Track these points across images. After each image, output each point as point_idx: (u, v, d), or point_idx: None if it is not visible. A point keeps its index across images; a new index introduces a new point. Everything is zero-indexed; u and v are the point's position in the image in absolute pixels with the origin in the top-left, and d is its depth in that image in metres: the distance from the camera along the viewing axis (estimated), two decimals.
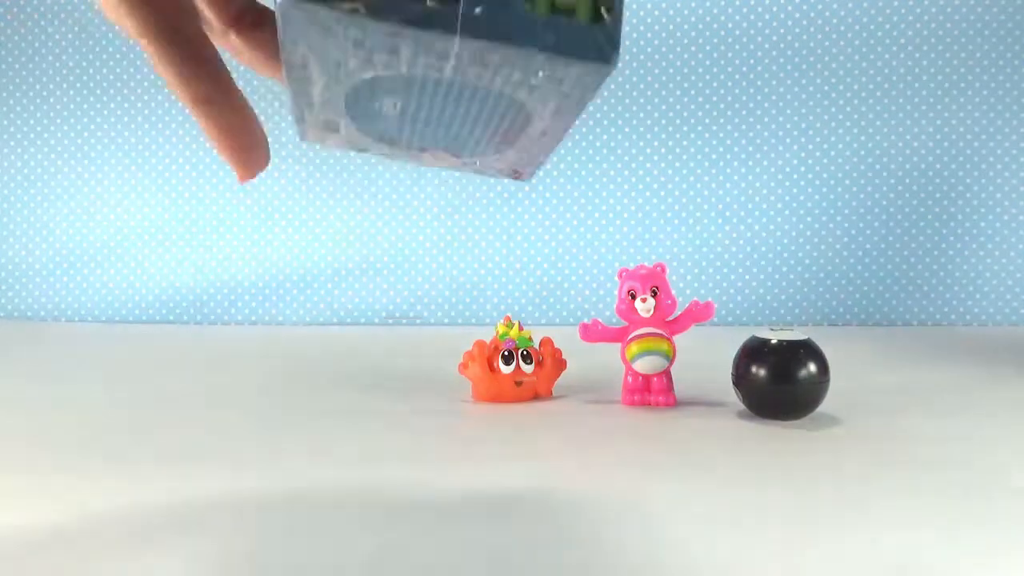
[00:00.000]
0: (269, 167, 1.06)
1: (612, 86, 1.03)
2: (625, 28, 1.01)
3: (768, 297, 1.03)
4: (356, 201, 1.06)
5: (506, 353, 0.57)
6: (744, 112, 1.03)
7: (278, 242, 1.06)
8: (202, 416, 0.55)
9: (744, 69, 1.02)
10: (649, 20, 1.03)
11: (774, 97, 1.03)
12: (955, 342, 0.87)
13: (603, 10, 0.20)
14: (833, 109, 1.02)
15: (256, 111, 0.29)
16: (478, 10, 0.20)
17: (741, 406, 0.54)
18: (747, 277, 1.03)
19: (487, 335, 0.58)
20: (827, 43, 1.01)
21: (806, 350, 0.51)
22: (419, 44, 0.21)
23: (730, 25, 1.02)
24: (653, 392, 0.57)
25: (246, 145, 0.29)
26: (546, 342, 0.59)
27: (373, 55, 0.22)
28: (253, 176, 0.30)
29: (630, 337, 0.56)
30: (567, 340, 0.60)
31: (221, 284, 1.06)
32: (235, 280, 1.06)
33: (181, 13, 0.26)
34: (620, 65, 1.01)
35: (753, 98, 1.03)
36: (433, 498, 0.39)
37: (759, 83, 1.03)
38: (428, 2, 0.20)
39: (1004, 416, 0.54)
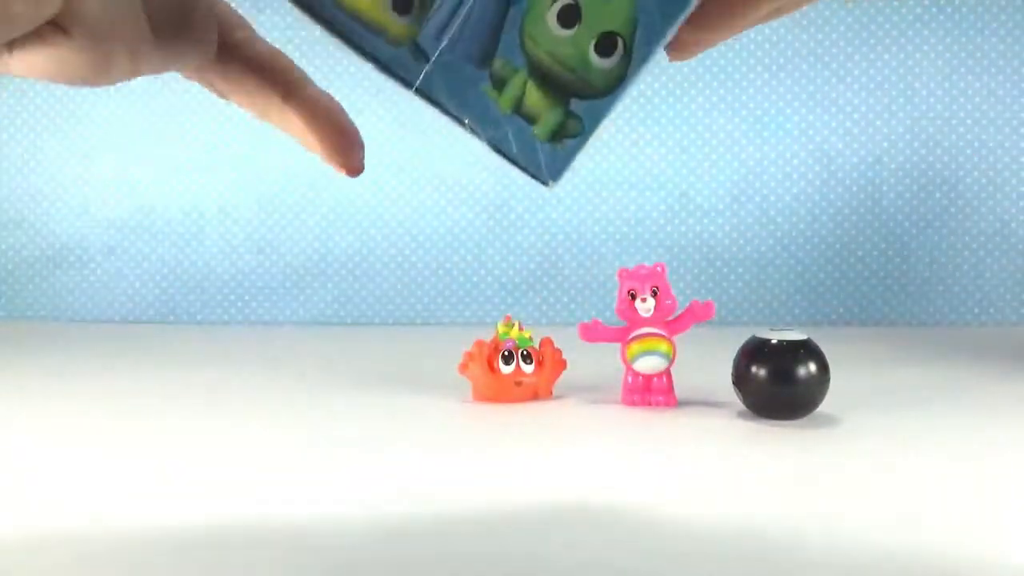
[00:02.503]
0: (269, 166, 1.06)
1: None
2: None
3: (768, 297, 1.03)
4: (356, 200, 1.06)
5: (506, 353, 0.57)
6: (744, 112, 1.03)
7: (277, 241, 1.06)
8: (200, 417, 0.55)
9: (743, 67, 1.03)
10: None
11: (774, 97, 1.03)
12: (955, 342, 0.87)
13: (562, 138, 0.19)
14: (833, 109, 1.02)
15: None
16: (428, 68, 0.19)
17: (741, 406, 0.54)
18: (747, 277, 1.03)
19: (487, 335, 0.58)
20: (834, 35, 1.01)
21: (806, 350, 0.51)
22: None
23: None
24: (653, 392, 0.57)
25: (347, 127, 0.25)
26: (546, 342, 0.59)
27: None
28: (361, 164, 0.25)
29: (630, 337, 0.56)
30: (567, 340, 0.60)
31: (221, 284, 1.06)
32: (233, 280, 1.06)
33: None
34: None
35: (753, 98, 1.03)
36: (433, 498, 0.39)
37: (758, 83, 1.03)
38: (396, 49, 0.19)
39: (1004, 416, 0.54)
